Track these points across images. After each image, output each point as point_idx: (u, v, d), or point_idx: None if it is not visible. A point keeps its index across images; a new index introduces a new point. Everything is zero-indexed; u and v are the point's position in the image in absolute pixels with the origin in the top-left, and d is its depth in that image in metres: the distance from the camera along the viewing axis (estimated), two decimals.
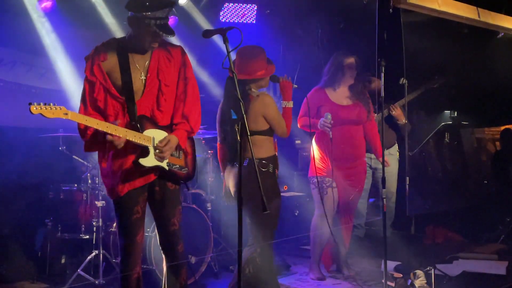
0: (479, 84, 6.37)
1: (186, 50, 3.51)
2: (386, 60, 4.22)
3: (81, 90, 3.27)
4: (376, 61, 4.23)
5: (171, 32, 3.17)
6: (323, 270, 5.01)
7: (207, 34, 2.99)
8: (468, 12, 5.09)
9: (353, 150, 4.80)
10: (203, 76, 6.52)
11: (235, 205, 3.78)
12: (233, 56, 3.12)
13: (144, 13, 3.11)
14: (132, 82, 3.23)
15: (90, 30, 5.77)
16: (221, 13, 6.63)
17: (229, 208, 5.33)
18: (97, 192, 4.91)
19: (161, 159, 3.25)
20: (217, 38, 3.97)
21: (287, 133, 3.94)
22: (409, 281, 4.47)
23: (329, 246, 4.98)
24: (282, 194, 6.08)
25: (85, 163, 5.01)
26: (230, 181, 3.93)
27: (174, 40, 5.68)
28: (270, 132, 3.86)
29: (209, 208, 5.36)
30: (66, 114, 2.93)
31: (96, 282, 4.62)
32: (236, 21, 6.67)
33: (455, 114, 7.19)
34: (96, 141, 3.21)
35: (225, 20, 6.65)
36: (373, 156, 5.31)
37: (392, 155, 5.70)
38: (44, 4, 5.38)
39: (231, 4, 6.61)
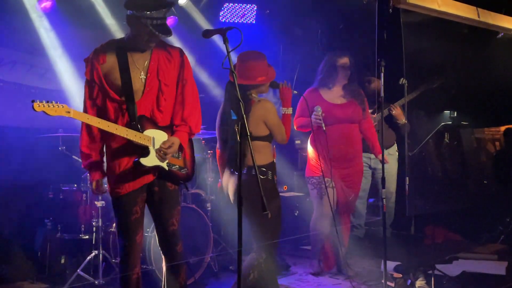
0: (479, 84, 6.37)
1: (186, 50, 3.51)
2: (386, 60, 4.22)
3: (82, 90, 3.30)
4: (376, 61, 4.23)
5: (168, 33, 3.17)
6: (324, 265, 5.01)
7: (207, 34, 2.99)
8: (467, 12, 5.08)
9: (350, 148, 4.80)
10: (203, 76, 6.53)
11: (234, 205, 3.78)
12: (233, 58, 3.12)
13: (141, 12, 3.11)
14: (132, 82, 3.24)
15: (90, 30, 5.77)
16: (221, 13, 6.64)
17: (229, 208, 5.34)
18: None
19: (162, 159, 3.26)
20: (217, 38, 3.97)
21: (286, 139, 3.92)
22: (409, 281, 4.48)
23: (329, 247, 4.98)
24: (282, 194, 6.11)
25: None
26: (230, 188, 3.89)
27: (174, 40, 5.70)
28: (269, 138, 3.85)
29: (209, 208, 5.36)
30: (69, 112, 2.95)
31: (96, 282, 4.62)
32: (236, 21, 6.67)
33: (455, 114, 7.19)
34: (95, 164, 3.31)
35: (225, 20, 6.65)
36: (372, 156, 5.31)
37: (392, 155, 5.70)
38: (43, 4, 5.38)
39: (231, 4, 6.61)
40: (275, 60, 4.25)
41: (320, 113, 4.59)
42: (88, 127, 3.26)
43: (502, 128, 7.46)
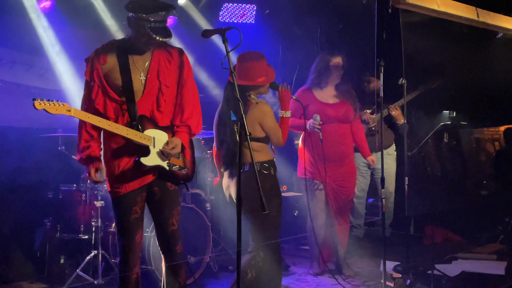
0: (478, 84, 6.37)
1: (185, 50, 3.51)
2: (385, 60, 4.22)
3: (81, 91, 3.31)
4: (375, 61, 4.23)
5: (167, 36, 3.18)
6: (322, 265, 5.02)
7: (206, 34, 3.00)
8: (467, 12, 5.08)
9: (342, 148, 4.81)
10: (202, 76, 6.53)
11: (234, 205, 3.78)
12: (233, 58, 3.12)
13: (140, 15, 3.12)
14: (132, 83, 3.25)
15: (89, 30, 5.77)
16: (221, 13, 6.64)
17: (228, 208, 5.35)
18: (96, 192, 4.91)
19: (164, 159, 3.26)
20: (216, 38, 3.97)
21: (282, 143, 3.91)
22: (408, 281, 4.48)
23: (327, 246, 4.97)
24: (281, 194, 6.10)
25: None
26: (231, 188, 3.88)
27: (173, 40, 5.69)
28: (265, 140, 3.86)
29: (208, 208, 5.37)
30: (69, 110, 2.96)
31: (95, 282, 4.62)
32: (236, 21, 6.67)
33: (454, 114, 7.19)
34: (94, 158, 3.27)
35: (224, 20, 6.66)
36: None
37: (390, 155, 5.70)
38: (43, 4, 5.38)
39: (231, 4, 6.62)
40: (274, 60, 4.25)
41: (318, 121, 4.60)
42: (86, 126, 3.25)
43: (502, 128, 7.46)
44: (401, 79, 4.55)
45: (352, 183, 4.94)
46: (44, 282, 4.79)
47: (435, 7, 4.73)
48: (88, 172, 3.27)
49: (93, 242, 4.78)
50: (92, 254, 4.72)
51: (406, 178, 4.58)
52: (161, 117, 3.34)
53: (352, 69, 5.14)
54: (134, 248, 3.32)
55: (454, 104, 7.02)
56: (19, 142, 5.17)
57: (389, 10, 4.44)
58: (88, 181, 3.35)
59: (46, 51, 5.56)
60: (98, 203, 4.78)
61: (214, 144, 4.04)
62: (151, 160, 3.24)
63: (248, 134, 2.78)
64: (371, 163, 5.09)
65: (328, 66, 4.80)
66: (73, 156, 5.02)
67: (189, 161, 3.49)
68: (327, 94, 4.86)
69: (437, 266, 4.79)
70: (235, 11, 6.68)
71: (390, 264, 4.82)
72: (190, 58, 3.52)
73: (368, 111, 5.48)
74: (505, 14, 5.64)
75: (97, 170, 3.26)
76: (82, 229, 4.93)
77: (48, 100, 2.89)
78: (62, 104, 2.94)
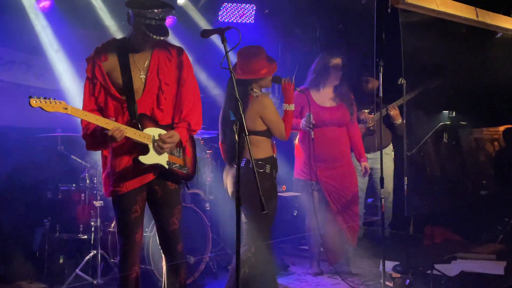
0: (478, 84, 6.37)
1: (185, 50, 3.51)
2: (384, 60, 4.22)
3: (81, 91, 3.29)
4: (375, 61, 4.23)
5: (163, 34, 3.17)
6: (327, 265, 5.02)
7: (206, 34, 3.00)
8: (466, 12, 5.08)
9: (337, 151, 4.81)
10: (201, 76, 6.52)
11: (233, 205, 3.78)
12: (232, 56, 3.12)
13: (137, 11, 3.13)
14: (132, 81, 3.24)
15: (89, 29, 5.77)
16: (220, 13, 6.63)
17: (228, 208, 5.34)
18: (95, 192, 4.91)
19: (160, 151, 3.24)
20: (216, 38, 3.96)
21: (286, 136, 3.92)
22: (407, 281, 4.47)
23: (333, 247, 4.96)
24: (280, 194, 6.09)
25: (83, 163, 5.01)
26: (228, 182, 3.94)
27: (172, 39, 5.70)
28: (267, 133, 3.86)
29: (208, 208, 5.36)
30: (66, 108, 2.94)
31: (95, 282, 4.62)
32: (235, 21, 6.67)
33: (454, 114, 7.19)
34: (97, 140, 3.21)
35: (223, 20, 6.65)
36: (369, 155, 5.31)
37: (388, 154, 5.70)
38: (42, 4, 5.38)
39: (230, 4, 6.61)
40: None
41: (311, 120, 4.60)
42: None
43: (501, 128, 7.47)
44: (401, 79, 4.55)
45: (351, 182, 4.93)
46: (43, 282, 4.79)
47: (435, 7, 4.73)
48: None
49: (92, 242, 4.78)
50: (92, 254, 4.72)
51: (406, 178, 4.58)
52: (161, 115, 3.34)
53: (352, 70, 5.14)
54: (134, 248, 3.31)
55: (453, 104, 7.03)
56: (18, 142, 5.17)
57: (389, 10, 4.44)
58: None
59: (45, 51, 5.55)
60: (97, 203, 4.78)
61: (220, 138, 4.07)
62: (150, 158, 3.23)
63: (246, 134, 2.77)
64: (362, 169, 5.04)
65: (328, 67, 4.80)
66: (72, 156, 5.02)
67: (190, 159, 3.48)
68: (324, 96, 4.87)
69: (436, 266, 4.79)
70: (235, 10, 6.68)
71: (390, 264, 4.82)
72: (189, 58, 3.52)
73: (366, 110, 5.48)
74: (504, 14, 5.63)
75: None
76: (81, 229, 4.93)
77: (45, 98, 2.86)
78: (59, 101, 2.91)
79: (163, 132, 3.30)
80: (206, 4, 6.49)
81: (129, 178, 3.25)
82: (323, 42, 6.55)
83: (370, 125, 5.45)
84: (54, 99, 2.90)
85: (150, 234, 4.45)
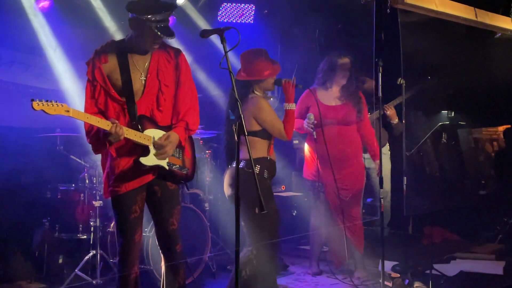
0: (477, 84, 6.38)
1: (184, 50, 3.52)
2: (383, 60, 4.22)
3: (80, 91, 3.29)
4: (374, 61, 4.23)
5: (171, 34, 3.21)
6: (326, 265, 5.02)
7: (205, 34, 3.00)
8: (465, 12, 5.09)
9: (344, 150, 4.78)
10: (201, 76, 6.52)
11: (232, 205, 3.78)
12: (232, 56, 3.12)
13: (144, 15, 3.13)
14: (132, 83, 3.25)
15: (88, 29, 5.77)
16: (219, 13, 6.64)
17: (227, 208, 5.34)
18: (94, 192, 4.91)
19: (163, 156, 3.25)
20: (215, 38, 3.97)
21: (285, 136, 3.90)
22: (407, 281, 4.48)
23: (337, 250, 4.95)
24: (280, 194, 6.10)
25: (83, 163, 5.01)
26: (224, 180, 3.96)
27: (172, 40, 5.69)
28: (262, 134, 3.86)
29: (207, 208, 5.37)
30: (68, 111, 2.95)
31: (94, 282, 4.62)
32: (234, 21, 6.67)
33: (452, 114, 7.20)
34: (101, 142, 3.21)
35: (223, 20, 6.66)
36: (366, 156, 5.30)
37: (385, 154, 5.70)
38: (41, 4, 5.38)
39: (229, 4, 6.62)
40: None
41: (312, 121, 4.60)
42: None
43: (500, 128, 7.48)
44: (400, 79, 4.56)
45: (356, 185, 4.84)
46: (42, 282, 4.79)
47: (434, 7, 4.74)
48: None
49: (91, 242, 4.78)
50: (91, 253, 4.72)
51: (405, 178, 4.58)
52: (161, 117, 3.34)
53: (359, 70, 5.12)
54: (133, 248, 3.32)
55: (452, 104, 7.04)
56: (17, 142, 5.17)
57: (388, 10, 4.45)
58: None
59: (45, 51, 5.55)
60: (97, 203, 4.78)
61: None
62: (151, 160, 3.24)
63: (246, 134, 2.78)
64: (377, 168, 4.92)
65: (335, 66, 4.80)
66: (71, 156, 5.02)
67: (189, 160, 3.48)
68: (331, 96, 4.86)
69: (435, 265, 4.79)
70: (234, 11, 6.68)
71: (389, 264, 4.82)
72: (189, 58, 3.53)
73: None
74: (503, 14, 5.64)
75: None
76: (80, 229, 4.94)
77: (47, 101, 2.88)
78: (61, 104, 2.93)
79: (163, 133, 3.30)
80: (205, 4, 6.49)
81: (128, 178, 3.25)
82: (322, 42, 6.55)
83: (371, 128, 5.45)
84: (56, 101, 2.91)
85: (149, 234, 4.45)
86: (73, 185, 5.08)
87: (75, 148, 5.03)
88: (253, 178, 2.78)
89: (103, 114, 3.25)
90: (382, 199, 4.28)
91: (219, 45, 2.99)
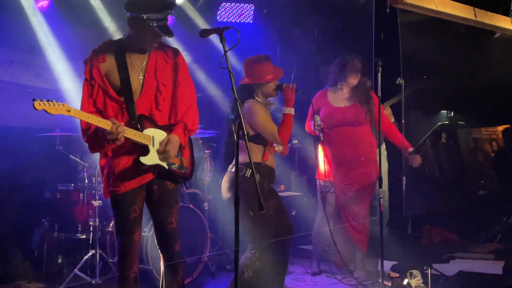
0: (476, 84, 6.39)
1: (183, 50, 3.52)
2: (383, 60, 4.22)
3: (80, 90, 3.29)
4: (373, 61, 4.23)
5: (170, 33, 3.21)
6: (326, 265, 5.02)
7: (204, 33, 3.00)
8: (464, 12, 5.09)
9: (354, 151, 4.77)
10: (200, 76, 6.52)
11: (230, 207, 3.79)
12: (231, 58, 3.12)
13: (144, 14, 3.12)
14: (131, 82, 3.25)
15: (87, 29, 5.77)
16: (218, 12, 6.64)
17: (226, 207, 5.34)
18: (94, 191, 4.91)
19: (167, 159, 3.26)
20: (214, 38, 3.98)
21: (279, 140, 3.84)
22: (406, 280, 4.48)
23: (342, 249, 4.94)
24: (279, 194, 6.09)
25: (82, 162, 5.01)
26: (222, 186, 3.93)
27: (171, 39, 5.70)
28: (256, 139, 3.84)
29: (206, 208, 5.37)
30: (69, 111, 2.95)
31: (93, 281, 4.62)
32: (233, 21, 6.68)
33: (452, 114, 7.21)
34: (99, 141, 3.21)
35: (222, 20, 6.66)
36: None
37: (382, 153, 5.70)
38: (40, 3, 5.38)
39: (229, 3, 6.62)
40: (272, 60, 4.26)
41: (318, 123, 4.62)
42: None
43: (499, 128, 7.48)
44: (399, 78, 4.56)
45: (366, 187, 4.78)
46: (41, 281, 4.78)
47: (433, 7, 4.74)
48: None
49: (90, 242, 4.78)
50: (90, 253, 4.72)
51: (404, 178, 4.58)
52: (160, 116, 3.35)
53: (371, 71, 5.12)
54: (133, 247, 3.31)
55: (452, 104, 7.04)
56: (16, 142, 5.17)
57: (387, 10, 4.45)
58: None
59: (44, 51, 5.55)
60: (96, 203, 4.78)
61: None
62: (151, 159, 3.24)
63: (246, 134, 2.78)
64: (411, 161, 4.79)
65: (345, 68, 4.80)
66: (71, 156, 5.02)
67: (188, 159, 3.49)
68: (340, 97, 4.86)
69: (434, 265, 4.79)
70: (233, 10, 6.68)
71: (388, 264, 4.82)
72: (188, 58, 3.53)
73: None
74: (502, 14, 5.65)
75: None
76: (79, 228, 4.93)
77: (48, 101, 2.88)
78: (62, 104, 2.93)
79: (162, 132, 3.31)
80: (204, 3, 6.49)
81: (128, 178, 3.25)
82: (321, 41, 6.55)
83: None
84: (57, 101, 2.91)
85: (148, 234, 4.45)
86: (73, 184, 5.08)
87: (75, 148, 5.03)
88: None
89: (101, 113, 3.24)
90: (381, 199, 4.28)
91: (219, 45, 2.99)
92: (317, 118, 4.65)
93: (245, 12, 6.72)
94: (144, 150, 3.23)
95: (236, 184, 2.84)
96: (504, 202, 6.43)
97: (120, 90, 3.25)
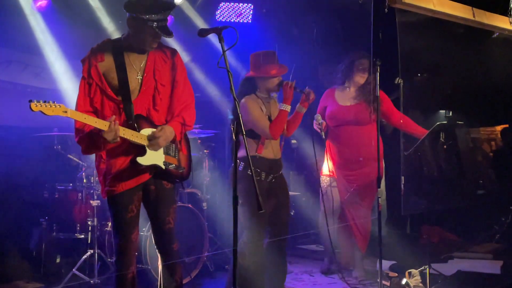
0: (474, 83, 6.38)
1: (182, 49, 3.53)
2: (381, 59, 4.23)
3: (78, 90, 3.28)
4: (372, 61, 4.24)
5: (170, 33, 3.21)
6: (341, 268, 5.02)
7: (203, 33, 3.01)
8: (463, 12, 5.09)
9: (357, 151, 4.77)
10: (199, 75, 6.52)
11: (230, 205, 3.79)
12: (229, 58, 3.12)
13: (144, 15, 3.12)
14: (129, 82, 3.24)
15: (86, 28, 5.76)
16: (217, 12, 6.64)
17: (225, 207, 5.34)
18: (92, 191, 4.91)
19: (154, 148, 3.22)
20: (213, 37, 3.99)
21: (269, 134, 3.88)
22: (404, 280, 4.48)
23: (344, 250, 4.95)
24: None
25: (80, 162, 5.01)
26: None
27: (170, 39, 5.70)
28: (248, 134, 3.85)
29: (205, 208, 5.37)
30: (66, 112, 2.94)
31: (91, 281, 4.62)
32: (232, 21, 6.67)
33: (450, 114, 7.20)
34: (93, 143, 3.18)
35: (221, 19, 6.65)
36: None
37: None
38: (39, 3, 5.37)
39: (227, 3, 6.61)
40: None
41: (319, 121, 4.64)
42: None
43: (498, 128, 7.48)
44: (398, 78, 4.56)
45: (369, 186, 4.79)
46: (40, 281, 4.78)
47: (431, 7, 4.74)
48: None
49: (89, 242, 4.78)
50: (88, 253, 4.72)
51: (403, 177, 4.58)
52: (157, 116, 3.34)
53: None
54: (130, 247, 3.31)
55: (450, 103, 7.02)
56: (15, 141, 5.16)
57: (385, 9, 4.45)
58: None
59: (42, 50, 5.55)
60: (94, 202, 4.78)
61: None
62: (148, 159, 3.24)
63: (243, 133, 2.78)
64: None
65: (353, 67, 4.81)
66: (69, 156, 5.02)
67: (185, 159, 3.48)
68: (347, 96, 4.87)
69: (433, 265, 4.80)
70: (232, 10, 6.68)
71: (386, 263, 4.82)
72: (186, 57, 3.54)
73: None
74: (501, 14, 5.65)
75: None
76: (78, 228, 4.93)
77: (45, 102, 2.86)
78: (59, 105, 2.92)
79: None
80: (203, 3, 6.49)
81: (125, 178, 3.25)
82: (320, 41, 6.55)
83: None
84: (54, 102, 2.90)
85: (146, 233, 4.45)
86: (71, 184, 5.07)
87: (73, 148, 5.03)
88: (252, 177, 2.78)
89: (98, 113, 3.23)
90: (379, 199, 4.29)
91: (217, 45, 2.99)
92: (318, 116, 4.67)
93: (243, 12, 6.72)
94: (141, 150, 3.23)
95: (234, 185, 2.83)
96: (502, 202, 6.43)
97: (118, 90, 3.24)
